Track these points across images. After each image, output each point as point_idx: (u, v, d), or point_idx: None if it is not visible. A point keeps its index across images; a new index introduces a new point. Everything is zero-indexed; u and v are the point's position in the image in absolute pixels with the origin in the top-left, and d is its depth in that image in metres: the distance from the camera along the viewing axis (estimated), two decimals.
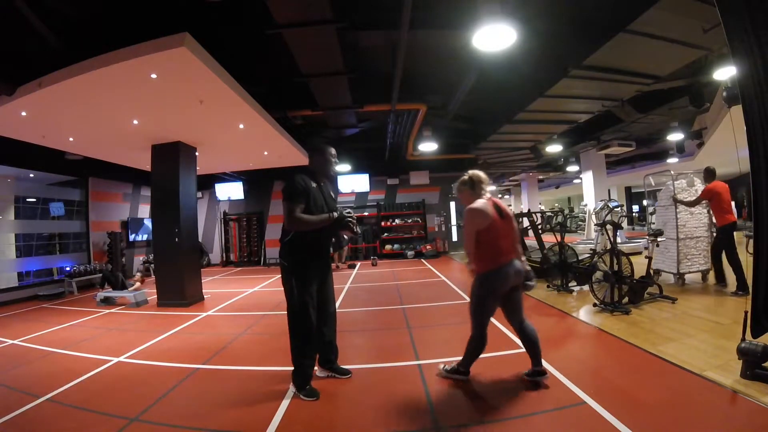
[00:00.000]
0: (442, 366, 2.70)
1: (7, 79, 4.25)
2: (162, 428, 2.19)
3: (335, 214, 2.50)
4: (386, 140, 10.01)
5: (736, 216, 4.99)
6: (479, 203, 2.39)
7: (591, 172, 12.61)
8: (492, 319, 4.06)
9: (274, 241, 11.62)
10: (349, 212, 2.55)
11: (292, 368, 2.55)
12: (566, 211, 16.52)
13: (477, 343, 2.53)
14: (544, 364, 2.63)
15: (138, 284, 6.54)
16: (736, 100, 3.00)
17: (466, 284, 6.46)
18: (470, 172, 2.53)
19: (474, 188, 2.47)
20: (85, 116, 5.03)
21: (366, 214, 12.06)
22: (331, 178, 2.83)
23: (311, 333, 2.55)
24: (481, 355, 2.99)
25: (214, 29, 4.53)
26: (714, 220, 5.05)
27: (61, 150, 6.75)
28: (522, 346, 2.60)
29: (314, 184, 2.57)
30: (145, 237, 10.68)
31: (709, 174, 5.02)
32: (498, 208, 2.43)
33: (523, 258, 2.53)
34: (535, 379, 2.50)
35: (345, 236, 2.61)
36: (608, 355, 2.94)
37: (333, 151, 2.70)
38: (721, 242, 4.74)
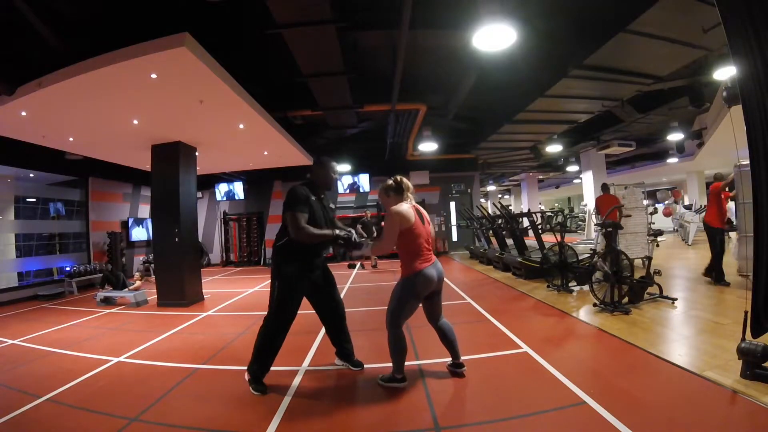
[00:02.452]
0: (380, 376, 2.66)
1: (7, 79, 4.26)
2: (162, 428, 2.19)
3: (339, 233, 2.54)
4: (386, 140, 10.01)
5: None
6: (403, 206, 2.48)
7: (591, 172, 12.64)
8: (491, 319, 4.12)
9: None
10: (350, 232, 2.59)
11: (250, 360, 2.62)
12: (566, 211, 16.52)
13: (400, 344, 2.52)
14: (545, 363, 2.76)
15: (138, 283, 6.54)
16: (736, 100, 3.00)
17: (466, 284, 6.48)
18: (397, 177, 2.62)
19: (399, 193, 2.56)
20: (85, 116, 5.03)
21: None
22: (330, 191, 2.86)
23: (277, 343, 2.61)
24: (481, 355, 3.02)
25: (215, 29, 4.54)
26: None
27: (61, 150, 6.75)
28: (441, 342, 2.69)
29: (314, 197, 2.63)
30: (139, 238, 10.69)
31: (602, 187, 6.33)
32: (419, 213, 2.54)
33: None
34: (456, 370, 2.69)
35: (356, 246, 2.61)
36: (608, 355, 2.94)
37: (335, 166, 2.80)
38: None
